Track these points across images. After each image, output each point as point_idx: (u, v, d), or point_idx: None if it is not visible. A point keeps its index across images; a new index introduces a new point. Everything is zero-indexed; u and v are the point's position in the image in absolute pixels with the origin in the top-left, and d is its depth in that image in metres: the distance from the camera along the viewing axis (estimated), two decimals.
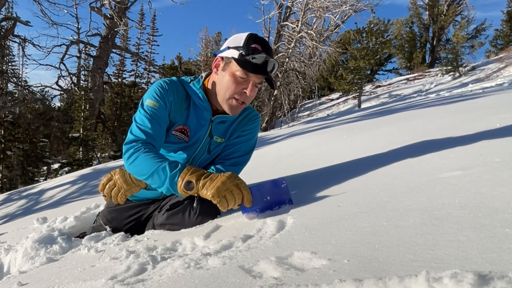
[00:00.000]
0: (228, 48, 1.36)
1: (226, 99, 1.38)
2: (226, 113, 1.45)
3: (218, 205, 1.20)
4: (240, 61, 1.32)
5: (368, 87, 19.76)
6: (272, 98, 11.92)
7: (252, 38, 1.34)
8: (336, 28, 12.38)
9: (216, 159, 1.56)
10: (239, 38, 1.35)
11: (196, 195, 1.25)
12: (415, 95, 13.84)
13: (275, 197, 1.28)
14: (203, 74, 1.51)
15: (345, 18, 12.48)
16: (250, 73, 1.33)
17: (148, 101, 1.40)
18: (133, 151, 1.33)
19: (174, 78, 1.49)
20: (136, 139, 1.36)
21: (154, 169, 1.27)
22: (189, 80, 1.49)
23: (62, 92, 14.89)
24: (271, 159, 2.84)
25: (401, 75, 24.38)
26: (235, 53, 1.33)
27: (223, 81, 1.37)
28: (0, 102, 12.33)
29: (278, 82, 11.62)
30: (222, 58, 1.39)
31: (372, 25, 16.21)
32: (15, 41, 13.15)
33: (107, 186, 1.44)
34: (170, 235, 1.33)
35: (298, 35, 11.03)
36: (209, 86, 1.45)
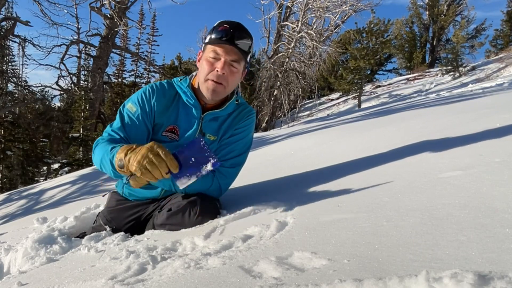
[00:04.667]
0: (204, 39, 1.43)
1: (203, 83, 1.42)
2: (216, 108, 1.48)
3: (144, 177, 1.16)
4: (208, 41, 1.38)
5: (368, 87, 19.74)
6: (272, 98, 11.92)
7: (223, 21, 1.39)
8: (336, 28, 12.40)
9: None
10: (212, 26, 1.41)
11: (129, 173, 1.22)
12: (415, 95, 13.83)
13: (198, 157, 1.25)
14: (194, 73, 1.54)
15: (345, 18, 12.49)
16: (218, 49, 1.36)
17: (129, 105, 1.47)
18: (95, 144, 1.40)
19: (164, 81, 1.54)
20: (100, 138, 1.43)
21: (102, 155, 1.29)
22: (179, 80, 1.53)
23: (62, 92, 14.88)
24: (271, 159, 2.84)
25: (401, 75, 24.36)
26: (206, 39, 1.40)
27: (201, 69, 1.43)
28: (0, 102, 12.32)
29: (278, 82, 11.62)
30: (202, 51, 1.45)
31: (372, 25, 16.16)
32: (15, 41, 13.14)
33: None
34: (170, 235, 1.33)
35: (298, 35, 11.04)
36: (197, 83, 1.48)
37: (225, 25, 1.36)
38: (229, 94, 1.52)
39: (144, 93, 1.47)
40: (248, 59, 1.45)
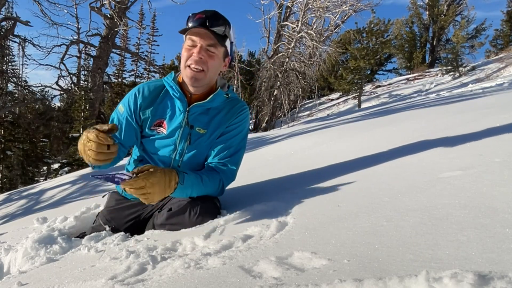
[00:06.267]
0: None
1: (183, 70, 1.45)
2: (202, 100, 1.48)
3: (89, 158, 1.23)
4: (184, 31, 1.41)
5: (368, 87, 19.73)
6: (272, 98, 11.92)
7: (198, 11, 1.41)
8: (336, 28, 12.39)
9: (211, 158, 1.53)
10: None
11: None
12: (415, 95, 13.83)
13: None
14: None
15: (345, 18, 12.48)
16: (193, 37, 1.39)
17: (119, 106, 1.56)
18: None
19: (152, 80, 1.60)
20: None
21: None
22: (167, 76, 1.56)
23: (62, 92, 14.87)
24: (271, 159, 2.84)
25: (401, 75, 24.33)
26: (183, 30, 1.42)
27: (181, 58, 1.45)
28: (0, 102, 12.32)
29: (278, 82, 11.62)
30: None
31: (372, 25, 16.14)
32: (15, 41, 13.14)
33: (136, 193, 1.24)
34: (170, 235, 1.33)
35: (298, 35, 11.04)
36: (181, 77, 1.51)
37: (199, 14, 1.40)
38: (214, 85, 1.53)
39: (131, 94, 1.53)
40: (227, 44, 1.46)
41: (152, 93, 1.52)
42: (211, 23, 1.37)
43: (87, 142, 1.22)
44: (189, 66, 1.41)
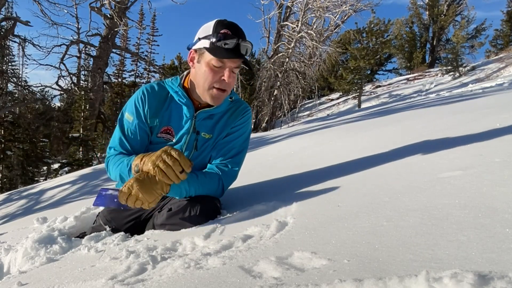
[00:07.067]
0: (199, 39, 1.37)
1: (206, 90, 1.40)
2: (209, 106, 1.47)
3: (159, 177, 1.24)
4: (212, 49, 1.33)
5: (368, 87, 19.72)
6: (272, 98, 11.92)
7: (221, 24, 1.34)
8: (336, 28, 12.39)
9: (214, 159, 1.54)
10: (208, 27, 1.36)
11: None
12: (415, 95, 13.83)
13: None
14: (185, 73, 1.54)
15: (345, 18, 12.48)
16: (224, 59, 1.34)
17: (126, 114, 1.52)
18: (106, 161, 1.53)
19: (154, 83, 1.55)
20: (109, 153, 1.53)
21: (120, 169, 1.40)
22: (170, 80, 1.53)
23: (62, 92, 14.90)
24: (271, 159, 2.84)
25: (401, 75, 24.33)
26: (206, 43, 1.34)
27: (201, 73, 1.39)
28: (0, 102, 12.32)
29: (278, 82, 11.62)
30: (195, 50, 1.40)
31: (372, 25, 16.18)
32: (15, 41, 13.18)
33: (132, 203, 1.29)
34: (170, 235, 1.32)
35: (298, 35, 11.04)
36: (190, 82, 1.48)
37: (226, 31, 1.31)
38: None
39: (136, 101, 1.49)
40: None
41: (157, 100, 1.49)
42: (243, 47, 1.33)
43: (163, 154, 1.24)
44: (215, 88, 1.39)
